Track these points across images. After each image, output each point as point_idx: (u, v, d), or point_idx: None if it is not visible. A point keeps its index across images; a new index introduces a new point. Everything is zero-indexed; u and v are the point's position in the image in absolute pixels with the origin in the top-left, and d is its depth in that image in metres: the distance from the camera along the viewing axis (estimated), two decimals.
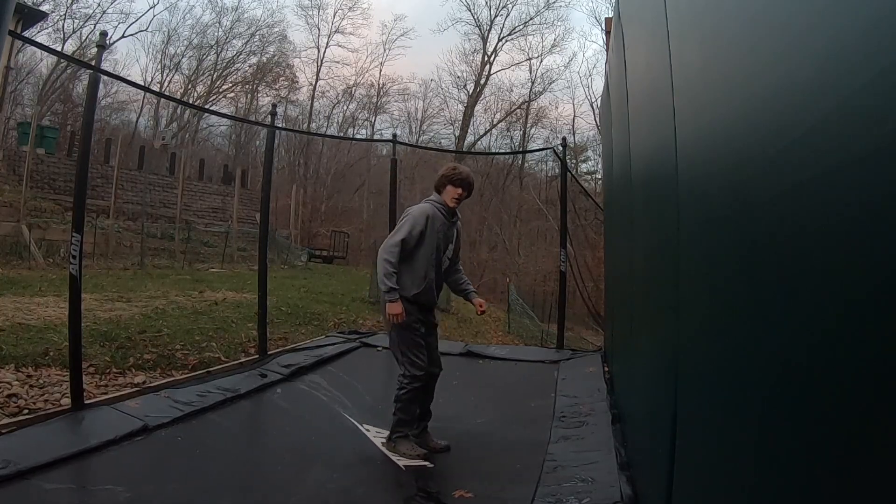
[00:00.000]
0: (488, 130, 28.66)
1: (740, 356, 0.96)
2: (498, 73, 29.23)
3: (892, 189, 0.50)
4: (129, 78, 19.80)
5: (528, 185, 26.02)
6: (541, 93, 28.06)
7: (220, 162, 23.97)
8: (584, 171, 24.22)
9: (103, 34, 3.55)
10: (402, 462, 2.81)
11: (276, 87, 28.47)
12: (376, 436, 3.08)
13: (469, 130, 28.51)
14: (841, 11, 0.62)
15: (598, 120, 20.59)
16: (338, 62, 32.00)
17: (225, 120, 33.92)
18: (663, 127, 1.66)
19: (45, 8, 19.08)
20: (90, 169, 5.02)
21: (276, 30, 28.12)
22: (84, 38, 22.28)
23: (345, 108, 29.21)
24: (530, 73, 28.53)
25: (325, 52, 28.87)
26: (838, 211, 0.62)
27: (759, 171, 0.87)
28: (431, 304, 3.05)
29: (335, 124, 28.86)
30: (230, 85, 27.97)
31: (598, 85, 22.64)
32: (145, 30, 25.20)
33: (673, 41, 1.55)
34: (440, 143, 27.66)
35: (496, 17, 28.36)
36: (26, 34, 12.94)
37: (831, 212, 0.64)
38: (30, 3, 15.87)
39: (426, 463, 2.82)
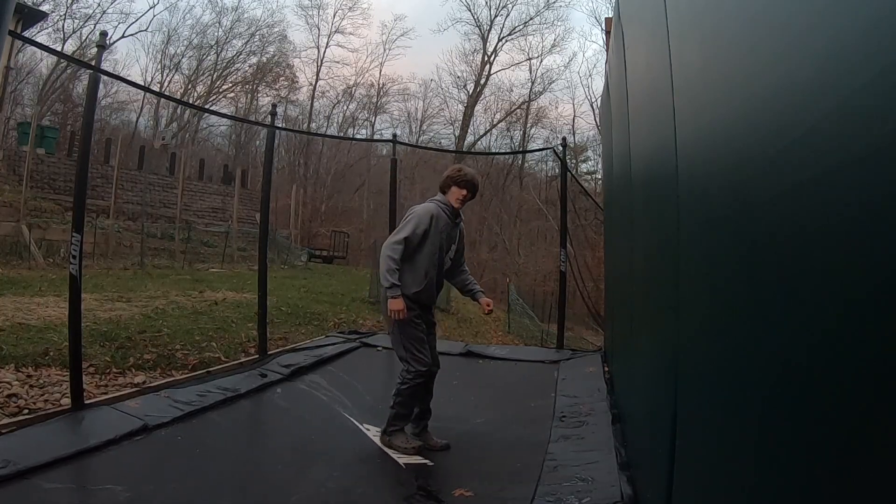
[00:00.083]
0: (488, 130, 28.71)
1: (740, 356, 0.96)
2: (498, 73, 29.29)
3: (892, 189, 0.50)
4: (129, 78, 19.83)
5: (528, 185, 26.03)
6: (541, 93, 28.12)
7: (220, 162, 23.97)
8: (584, 171, 24.25)
9: (103, 34, 3.56)
10: (402, 460, 2.81)
11: (276, 87, 28.54)
12: (376, 435, 3.08)
13: (469, 130, 28.56)
14: (841, 11, 0.62)
15: (598, 120, 20.61)
16: (338, 62, 32.01)
17: (225, 120, 33.97)
18: (663, 127, 1.66)
19: (45, 8, 19.11)
20: (90, 169, 5.02)
21: (276, 30, 28.19)
22: (84, 38, 22.34)
23: (345, 108, 29.28)
24: (530, 73, 28.60)
25: (325, 52, 28.94)
26: (838, 211, 0.62)
27: (759, 171, 0.87)
28: (431, 303, 3.07)
29: (335, 124, 28.92)
30: (230, 85, 28.03)
31: (598, 85, 22.67)
32: (145, 30, 25.27)
33: (673, 41, 1.55)
34: (440, 143, 27.69)
35: (496, 17, 28.42)
36: (26, 34, 12.95)
37: (831, 212, 0.64)
38: (30, 3, 15.87)
39: (425, 461, 2.83)
